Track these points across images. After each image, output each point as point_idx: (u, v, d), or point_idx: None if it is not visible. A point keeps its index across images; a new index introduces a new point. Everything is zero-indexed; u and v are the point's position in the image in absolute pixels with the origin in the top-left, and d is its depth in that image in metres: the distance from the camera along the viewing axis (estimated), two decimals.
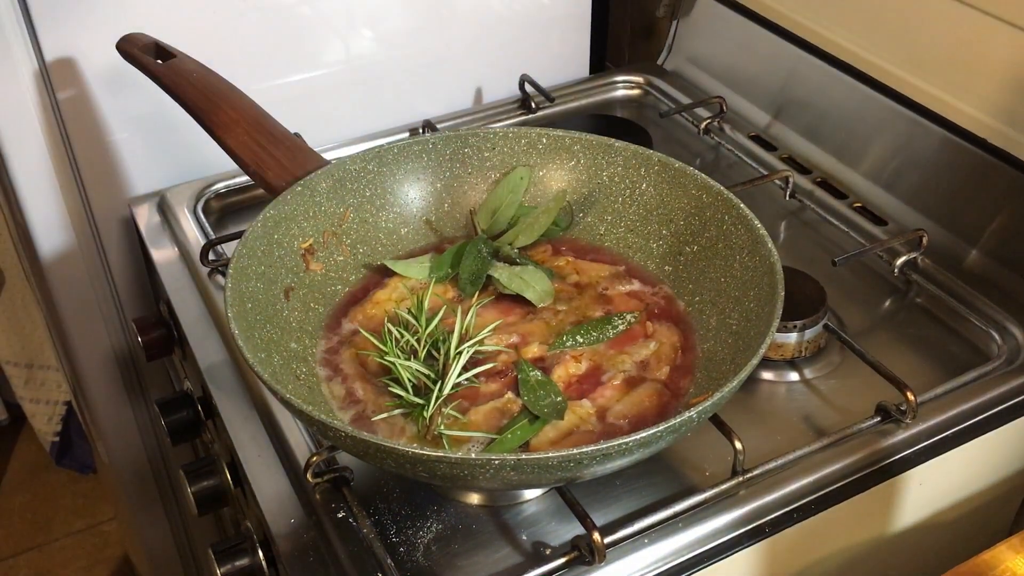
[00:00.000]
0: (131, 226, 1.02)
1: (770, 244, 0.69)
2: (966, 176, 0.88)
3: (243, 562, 0.72)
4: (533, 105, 1.12)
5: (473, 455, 0.54)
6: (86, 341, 1.09)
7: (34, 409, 1.74)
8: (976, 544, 0.66)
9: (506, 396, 0.67)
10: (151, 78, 0.83)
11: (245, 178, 0.99)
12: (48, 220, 1.01)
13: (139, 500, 1.24)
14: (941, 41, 0.89)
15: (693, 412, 0.57)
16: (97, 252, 1.05)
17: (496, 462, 0.54)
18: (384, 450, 0.56)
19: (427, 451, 0.54)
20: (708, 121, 1.07)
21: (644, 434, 0.55)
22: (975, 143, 0.88)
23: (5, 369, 1.75)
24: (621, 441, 0.54)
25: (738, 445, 0.68)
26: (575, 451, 0.54)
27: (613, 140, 0.80)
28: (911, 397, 0.72)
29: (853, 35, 0.98)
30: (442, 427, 0.64)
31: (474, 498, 0.69)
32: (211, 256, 0.89)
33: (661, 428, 0.55)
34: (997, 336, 0.81)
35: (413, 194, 0.81)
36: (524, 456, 0.54)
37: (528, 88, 1.13)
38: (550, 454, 0.54)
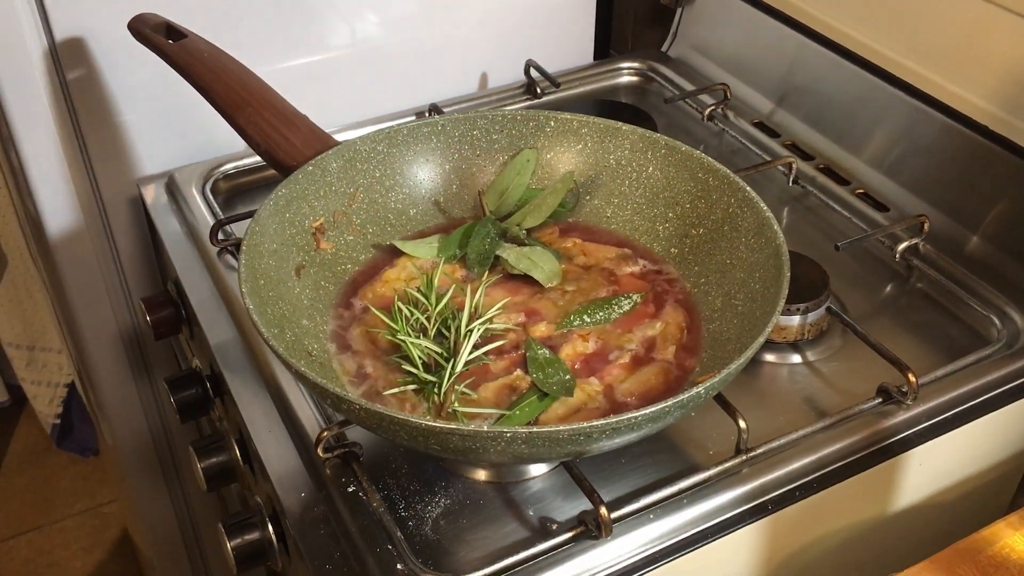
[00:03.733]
0: (139, 206, 1.03)
1: (776, 226, 0.70)
2: (968, 163, 0.90)
3: (253, 536, 0.73)
4: (538, 90, 1.13)
5: (485, 428, 0.55)
6: (92, 321, 1.10)
7: (35, 391, 1.75)
8: (975, 524, 0.67)
9: (515, 373, 0.68)
10: (162, 57, 0.84)
11: (253, 159, 1.00)
12: (56, 200, 1.01)
13: (143, 479, 1.25)
14: (944, 29, 0.90)
15: (701, 388, 0.58)
16: (105, 232, 1.05)
17: (508, 435, 0.55)
18: (398, 422, 0.56)
19: (440, 423, 0.55)
20: (712, 108, 1.08)
21: (653, 409, 0.56)
22: (977, 130, 0.89)
23: (7, 351, 1.75)
24: (630, 416, 0.55)
25: (742, 424, 0.69)
26: (585, 425, 0.55)
27: (620, 124, 0.81)
28: (912, 379, 0.73)
29: (857, 23, 0.99)
30: (456, 404, 0.65)
31: (482, 474, 0.70)
32: (220, 236, 0.90)
33: (669, 403, 0.56)
34: (997, 320, 0.82)
35: (422, 175, 0.82)
36: (536, 429, 0.55)
37: (533, 73, 1.13)
38: (561, 427, 0.55)
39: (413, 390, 0.67)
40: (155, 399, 1.19)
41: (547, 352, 0.69)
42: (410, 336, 0.68)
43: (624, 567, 0.65)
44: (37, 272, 1.27)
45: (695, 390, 0.57)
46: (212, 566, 1.36)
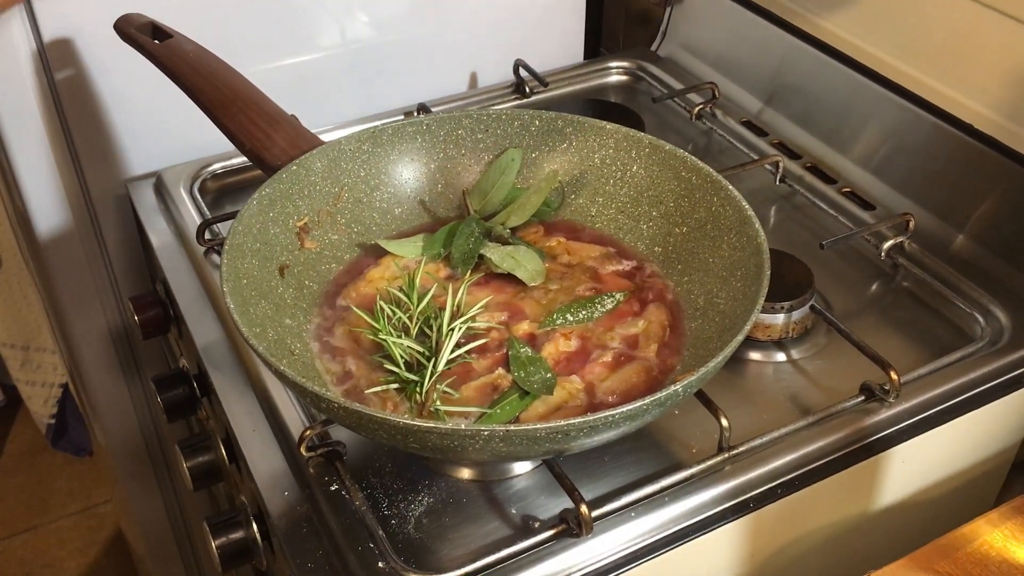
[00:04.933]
0: (128, 206, 1.03)
1: (757, 224, 0.70)
2: (954, 162, 0.90)
3: (238, 535, 0.73)
4: (527, 90, 1.13)
5: (463, 426, 0.55)
6: (83, 321, 1.10)
7: (30, 392, 1.75)
8: (959, 522, 0.67)
9: (497, 372, 0.68)
10: (148, 58, 0.84)
11: (241, 159, 1.00)
12: (46, 201, 1.02)
13: (135, 479, 1.25)
14: (933, 30, 0.91)
15: (679, 386, 0.58)
16: (94, 232, 1.06)
17: (486, 433, 0.55)
18: (377, 421, 0.57)
19: (418, 422, 0.55)
20: (700, 107, 1.08)
21: (631, 406, 0.56)
22: (964, 130, 0.89)
23: (1, 351, 1.75)
24: (608, 413, 0.56)
25: (724, 422, 0.69)
26: (563, 423, 0.55)
27: (604, 122, 0.81)
28: (895, 376, 0.73)
29: (845, 23, 0.99)
30: (438, 403, 0.65)
31: (465, 473, 0.70)
32: (207, 235, 0.90)
33: (648, 401, 0.56)
34: (981, 318, 0.82)
35: (407, 174, 0.82)
36: (513, 427, 0.56)
37: (522, 73, 1.14)
38: (539, 425, 0.55)
39: (395, 389, 0.67)
40: (146, 399, 1.19)
41: (529, 351, 0.70)
42: (392, 335, 0.68)
43: (605, 565, 0.65)
44: (30, 272, 1.28)
45: (673, 388, 0.57)
46: (204, 565, 1.36)
